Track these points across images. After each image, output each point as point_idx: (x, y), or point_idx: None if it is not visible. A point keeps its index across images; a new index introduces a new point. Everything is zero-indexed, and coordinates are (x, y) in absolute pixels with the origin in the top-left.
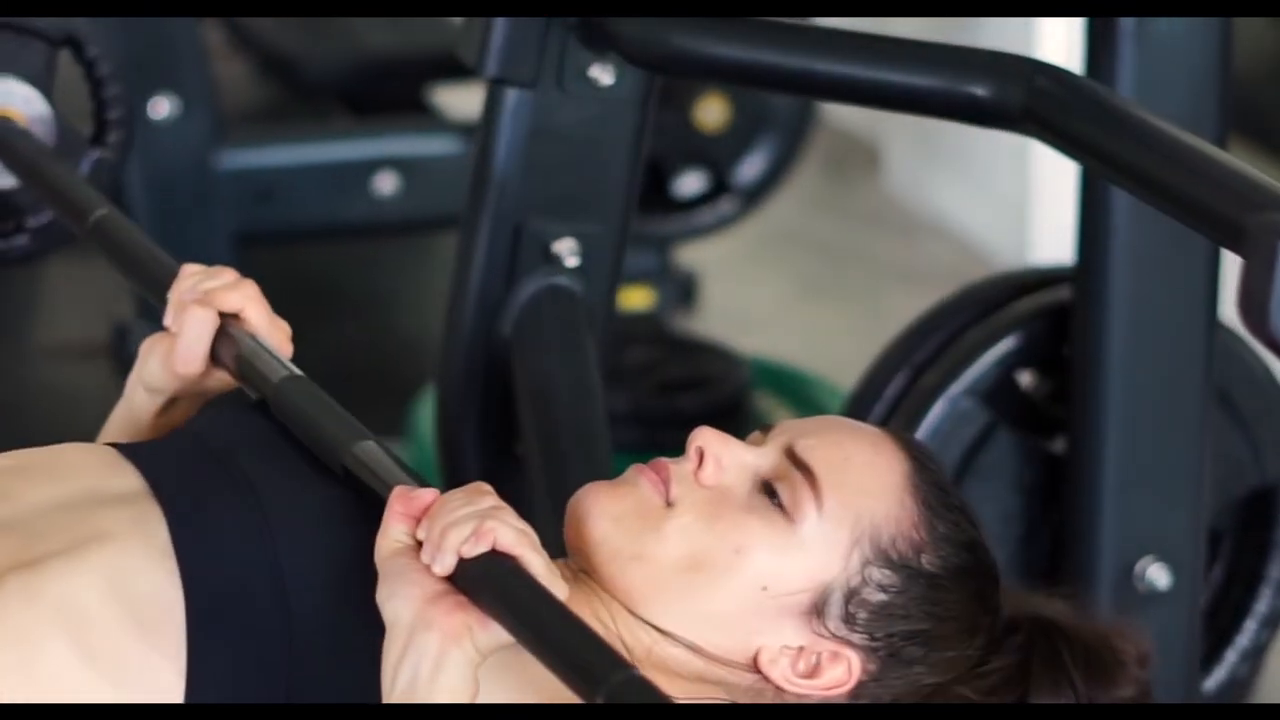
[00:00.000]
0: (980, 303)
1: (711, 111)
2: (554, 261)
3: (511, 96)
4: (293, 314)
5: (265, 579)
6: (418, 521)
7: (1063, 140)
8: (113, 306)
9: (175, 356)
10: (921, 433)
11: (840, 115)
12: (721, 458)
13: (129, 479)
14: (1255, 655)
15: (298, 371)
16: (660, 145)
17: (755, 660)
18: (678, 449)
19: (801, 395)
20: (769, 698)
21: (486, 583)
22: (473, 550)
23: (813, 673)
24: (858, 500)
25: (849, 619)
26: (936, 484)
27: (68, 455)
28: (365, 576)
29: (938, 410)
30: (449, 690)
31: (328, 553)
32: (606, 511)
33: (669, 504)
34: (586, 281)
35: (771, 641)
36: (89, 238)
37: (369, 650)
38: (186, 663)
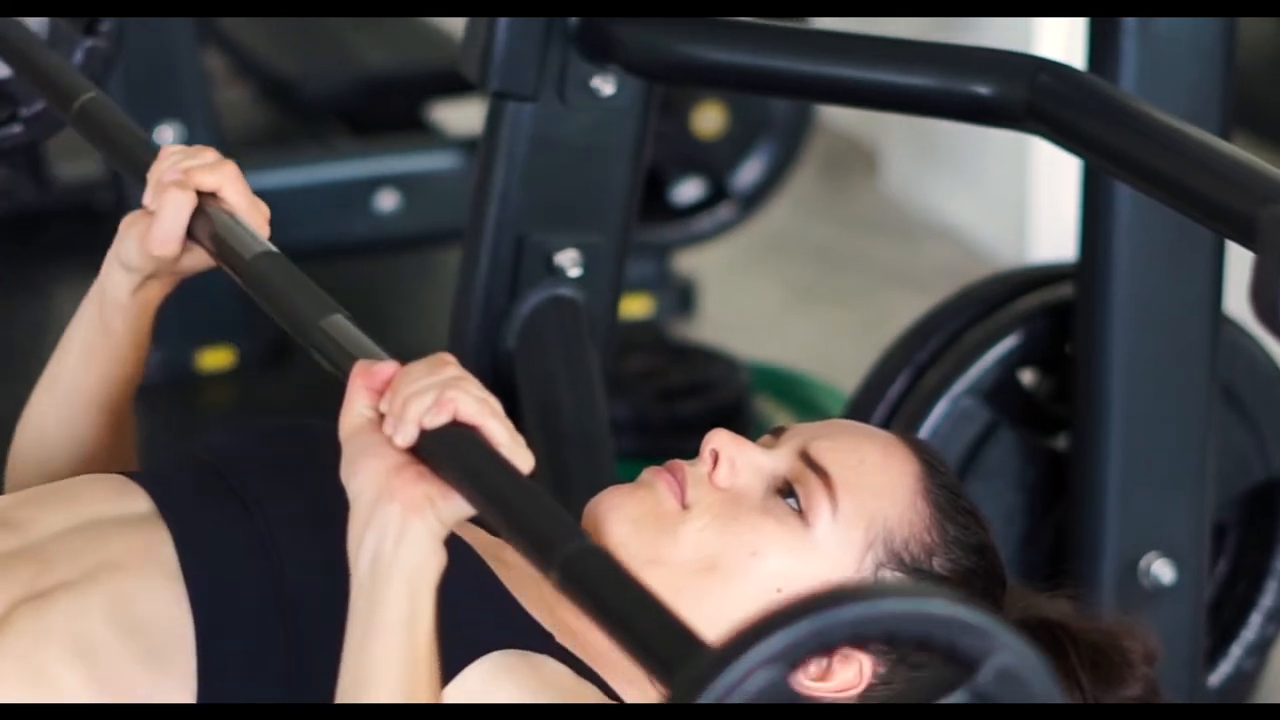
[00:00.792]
0: (981, 302)
1: (708, 118)
2: (557, 273)
3: (513, 110)
4: None
5: (272, 599)
6: (380, 395)
7: (1068, 137)
8: None
9: (151, 237)
10: (924, 432)
11: (837, 118)
12: (735, 460)
13: (138, 503)
14: (1261, 649)
15: (273, 248)
16: (658, 153)
17: None
18: (679, 456)
19: (802, 399)
20: None
21: (447, 453)
22: (434, 421)
23: (824, 675)
24: (872, 503)
25: None
26: (947, 487)
27: (78, 485)
28: None
29: (940, 410)
30: (413, 563)
31: (334, 571)
32: (625, 515)
33: (684, 506)
34: (589, 292)
35: None
36: (74, 123)
37: None
38: (197, 686)
